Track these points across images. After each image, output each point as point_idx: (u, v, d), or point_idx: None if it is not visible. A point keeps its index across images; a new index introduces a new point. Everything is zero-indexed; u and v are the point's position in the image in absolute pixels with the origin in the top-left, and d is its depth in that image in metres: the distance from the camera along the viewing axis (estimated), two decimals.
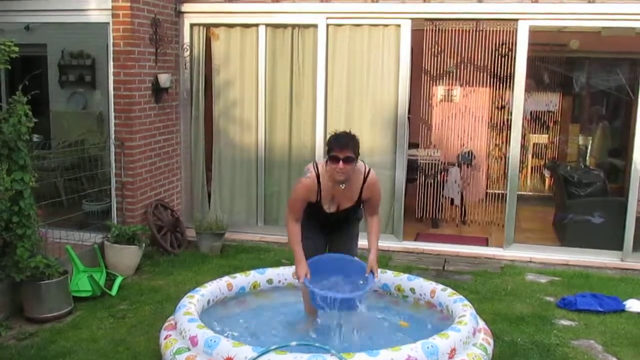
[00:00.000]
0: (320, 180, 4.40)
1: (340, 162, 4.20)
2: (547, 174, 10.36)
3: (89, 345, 4.77)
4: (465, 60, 8.39)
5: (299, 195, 4.48)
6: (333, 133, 4.37)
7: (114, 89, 6.90)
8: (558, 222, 8.23)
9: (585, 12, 6.87)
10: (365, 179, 4.44)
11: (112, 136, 6.98)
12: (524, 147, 9.54)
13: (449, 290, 5.02)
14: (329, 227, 4.70)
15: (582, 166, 9.31)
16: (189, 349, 4.01)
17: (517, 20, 7.03)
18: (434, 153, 8.78)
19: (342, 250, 4.72)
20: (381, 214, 7.40)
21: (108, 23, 6.83)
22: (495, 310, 5.58)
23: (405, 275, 5.42)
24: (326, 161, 4.33)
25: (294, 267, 4.58)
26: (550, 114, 10.56)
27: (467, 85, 8.85)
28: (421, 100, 8.45)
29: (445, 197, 8.82)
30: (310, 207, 4.53)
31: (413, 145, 8.48)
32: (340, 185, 4.37)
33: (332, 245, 4.80)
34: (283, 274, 5.49)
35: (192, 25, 7.79)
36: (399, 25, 7.29)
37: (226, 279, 5.24)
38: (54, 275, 5.26)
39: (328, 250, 4.80)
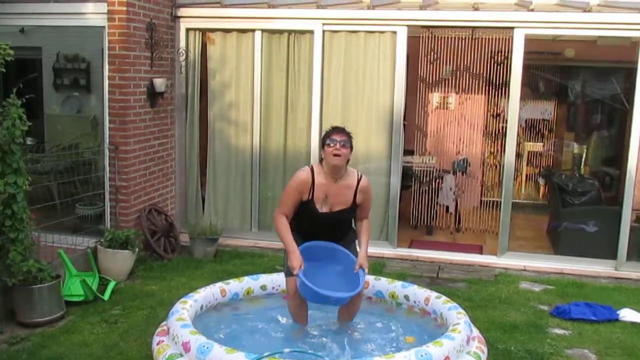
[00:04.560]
0: (315, 177, 4.47)
1: (337, 144, 4.36)
2: (541, 182, 10.38)
3: (81, 350, 4.74)
4: (461, 68, 8.41)
5: (292, 188, 4.52)
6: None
7: (109, 92, 6.88)
8: (552, 230, 8.23)
9: (581, 21, 6.89)
10: (358, 182, 4.55)
11: (107, 140, 6.95)
12: (518, 155, 9.58)
13: (443, 297, 5.01)
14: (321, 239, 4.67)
15: (577, 175, 9.32)
16: (181, 355, 3.99)
17: (513, 28, 7.04)
18: (429, 160, 8.79)
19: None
20: (376, 221, 7.48)
21: (104, 27, 6.81)
22: (489, 318, 5.58)
23: (400, 283, 5.42)
24: (322, 147, 4.47)
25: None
26: (546, 122, 10.60)
27: (463, 93, 8.87)
28: (417, 107, 8.46)
29: (440, 205, 8.82)
30: (301, 211, 4.53)
31: (408, 152, 8.49)
32: (335, 181, 4.45)
33: None
34: (277, 280, 5.48)
35: (188, 30, 7.78)
36: (395, 32, 7.29)
37: (220, 284, 5.23)
38: (47, 280, 5.22)
39: None
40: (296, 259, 4.39)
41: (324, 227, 4.62)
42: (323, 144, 4.47)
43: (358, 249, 4.69)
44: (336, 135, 4.40)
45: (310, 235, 4.64)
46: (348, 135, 4.45)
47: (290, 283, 4.65)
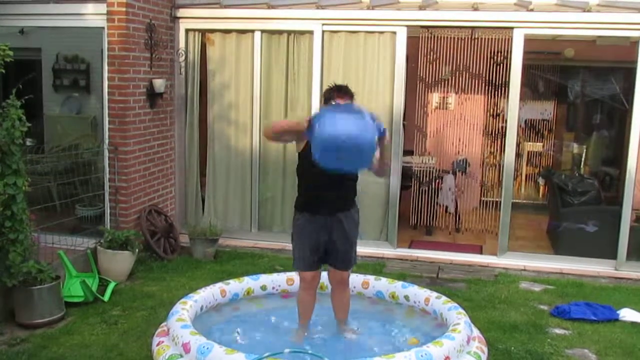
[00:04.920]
0: None
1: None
2: (541, 182, 10.37)
3: (81, 351, 4.73)
4: (461, 68, 8.42)
5: (291, 121, 4.56)
6: (332, 85, 4.56)
7: (109, 93, 6.88)
8: (552, 230, 8.23)
9: (581, 21, 6.89)
10: None
11: (106, 141, 6.95)
12: (518, 155, 9.57)
13: (444, 298, 5.01)
14: (327, 204, 4.50)
15: (577, 174, 9.32)
16: (181, 356, 3.99)
17: (512, 28, 7.04)
18: (428, 160, 8.78)
19: (340, 255, 4.62)
20: (376, 221, 7.49)
21: (103, 27, 6.81)
22: (489, 318, 5.57)
23: (400, 283, 5.42)
24: (325, 103, 4.46)
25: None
26: (545, 122, 10.61)
27: (462, 93, 8.86)
28: (416, 108, 8.46)
29: (440, 205, 8.82)
30: (303, 165, 4.47)
31: (408, 152, 8.49)
32: None
33: (329, 251, 4.64)
34: (277, 280, 5.49)
35: (187, 31, 7.77)
36: (394, 32, 7.29)
37: (220, 285, 5.23)
38: (46, 281, 5.22)
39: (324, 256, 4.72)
40: (303, 120, 4.14)
41: (326, 180, 4.31)
42: (326, 101, 4.46)
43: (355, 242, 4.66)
44: (340, 99, 4.39)
45: (314, 199, 4.50)
46: (352, 98, 4.46)
47: (304, 275, 4.64)
